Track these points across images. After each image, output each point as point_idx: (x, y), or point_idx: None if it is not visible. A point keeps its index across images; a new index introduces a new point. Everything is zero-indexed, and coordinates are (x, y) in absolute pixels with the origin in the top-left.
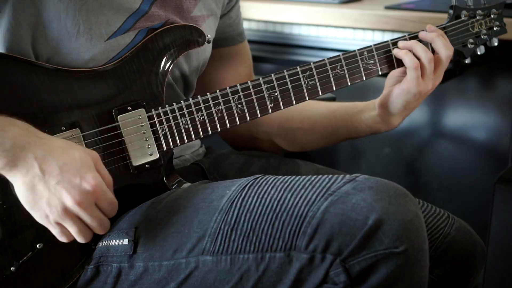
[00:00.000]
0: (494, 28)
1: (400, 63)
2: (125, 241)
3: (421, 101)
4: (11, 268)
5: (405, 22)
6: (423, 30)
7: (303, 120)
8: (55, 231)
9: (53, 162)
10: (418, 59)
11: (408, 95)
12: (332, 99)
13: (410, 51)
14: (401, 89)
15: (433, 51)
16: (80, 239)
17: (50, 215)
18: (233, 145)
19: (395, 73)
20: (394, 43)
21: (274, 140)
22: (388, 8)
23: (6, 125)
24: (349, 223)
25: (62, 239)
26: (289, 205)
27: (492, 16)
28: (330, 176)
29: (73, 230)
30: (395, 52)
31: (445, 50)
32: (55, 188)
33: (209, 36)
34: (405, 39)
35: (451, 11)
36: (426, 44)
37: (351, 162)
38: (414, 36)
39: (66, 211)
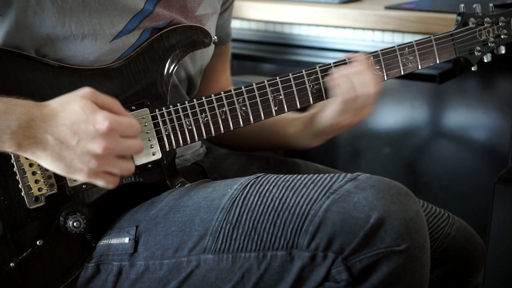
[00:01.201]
0: (502, 36)
1: None
2: (126, 240)
3: (342, 131)
4: (11, 264)
5: (405, 22)
6: (349, 60)
7: None
8: (102, 183)
9: (62, 127)
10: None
11: (322, 125)
12: None
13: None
14: (322, 117)
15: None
16: (127, 173)
17: (90, 169)
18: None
19: None
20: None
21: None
22: (388, 8)
23: (8, 107)
24: (351, 222)
25: (110, 185)
26: (291, 203)
27: (500, 24)
28: (332, 174)
29: (116, 170)
30: (332, 78)
31: (372, 86)
32: (78, 146)
33: (215, 37)
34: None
35: (459, 18)
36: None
37: (351, 162)
38: (343, 63)
39: (101, 158)
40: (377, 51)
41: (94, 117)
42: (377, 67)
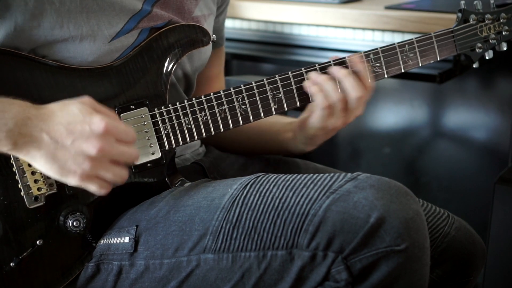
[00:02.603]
0: (503, 33)
1: None
2: (126, 239)
3: (332, 134)
4: (11, 264)
5: (405, 22)
6: (328, 63)
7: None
8: (94, 187)
9: (58, 126)
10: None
11: (313, 129)
12: None
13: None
14: (311, 121)
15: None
16: (120, 181)
17: (83, 172)
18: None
19: None
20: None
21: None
22: (388, 8)
23: (5, 106)
24: (351, 221)
25: (103, 191)
26: (291, 203)
27: (501, 20)
28: (332, 174)
29: (109, 176)
30: (307, 85)
31: (354, 91)
32: (73, 146)
33: (213, 36)
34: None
35: (459, 15)
36: None
37: (351, 162)
38: (328, 65)
39: (95, 160)
40: (377, 49)
41: (91, 118)
42: (377, 64)
